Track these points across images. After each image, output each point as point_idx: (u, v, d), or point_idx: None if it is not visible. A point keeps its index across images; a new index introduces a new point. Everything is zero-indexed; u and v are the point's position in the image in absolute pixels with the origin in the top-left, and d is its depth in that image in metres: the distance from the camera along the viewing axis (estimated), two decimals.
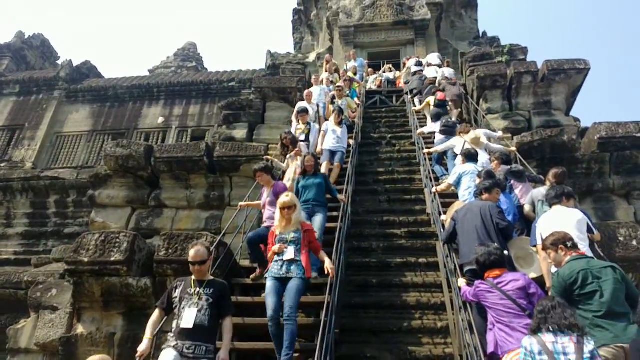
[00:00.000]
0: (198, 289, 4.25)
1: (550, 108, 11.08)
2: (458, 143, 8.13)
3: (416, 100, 12.33)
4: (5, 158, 17.53)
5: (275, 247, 4.99)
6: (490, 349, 3.98)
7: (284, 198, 5.19)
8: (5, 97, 19.02)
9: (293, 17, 21.44)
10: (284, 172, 7.99)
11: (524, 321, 3.81)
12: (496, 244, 4.52)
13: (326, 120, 10.08)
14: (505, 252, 4.62)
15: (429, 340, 5.71)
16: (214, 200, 9.21)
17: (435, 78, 12.37)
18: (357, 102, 12.18)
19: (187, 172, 9.34)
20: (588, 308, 3.64)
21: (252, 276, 6.04)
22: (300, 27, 20.92)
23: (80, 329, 6.34)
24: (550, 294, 4.11)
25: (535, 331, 3.29)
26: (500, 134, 9.31)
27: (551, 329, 3.20)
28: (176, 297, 4.28)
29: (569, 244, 4.02)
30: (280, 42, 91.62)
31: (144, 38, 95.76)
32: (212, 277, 4.49)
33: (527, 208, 5.88)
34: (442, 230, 6.27)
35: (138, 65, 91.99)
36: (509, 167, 6.78)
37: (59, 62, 21.81)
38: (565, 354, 3.08)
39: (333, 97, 10.94)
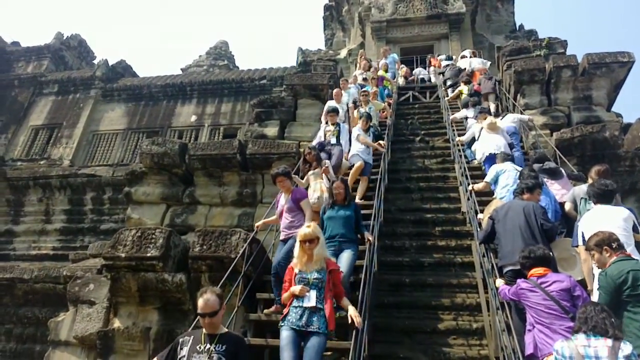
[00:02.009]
0: (208, 346, 3.57)
1: (591, 103, 10.69)
2: (476, 129, 8.82)
3: (449, 91, 12.64)
4: (45, 156, 18.11)
5: (296, 289, 4.28)
6: (529, 350, 3.87)
7: (305, 229, 4.48)
8: (44, 97, 19.64)
9: (324, 13, 21.37)
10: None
11: (565, 323, 3.69)
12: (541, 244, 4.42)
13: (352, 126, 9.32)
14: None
15: (463, 342, 5.61)
16: (247, 197, 9.25)
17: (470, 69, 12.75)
18: (389, 100, 12.05)
19: (220, 170, 9.40)
20: (639, 310, 3.48)
21: (266, 311, 5.41)
22: (331, 23, 20.84)
23: (117, 323, 6.44)
24: (594, 295, 3.99)
25: (574, 333, 3.22)
26: (529, 117, 9.84)
27: (586, 331, 3.11)
28: (183, 357, 3.58)
29: (614, 245, 3.82)
30: (311, 39, 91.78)
31: (176, 37, 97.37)
32: (226, 330, 3.78)
33: (568, 206, 5.66)
34: (478, 229, 6.13)
35: (171, 64, 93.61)
36: (540, 164, 6.59)
37: (95, 61, 22.39)
38: (597, 357, 2.99)
39: (355, 102, 10.25)
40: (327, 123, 8.87)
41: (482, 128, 8.43)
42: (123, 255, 6.19)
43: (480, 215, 6.25)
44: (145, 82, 19.22)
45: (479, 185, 7.07)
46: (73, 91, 19.47)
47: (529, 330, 3.94)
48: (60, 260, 12.97)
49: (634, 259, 3.82)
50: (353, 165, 8.10)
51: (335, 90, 10.31)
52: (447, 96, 12.37)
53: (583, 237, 4.43)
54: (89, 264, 10.33)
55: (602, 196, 4.77)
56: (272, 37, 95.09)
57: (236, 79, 18.41)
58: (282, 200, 5.98)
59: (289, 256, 5.28)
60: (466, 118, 10.15)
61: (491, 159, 7.69)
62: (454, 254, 6.88)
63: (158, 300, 6.36)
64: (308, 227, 4.49)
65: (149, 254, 6.12)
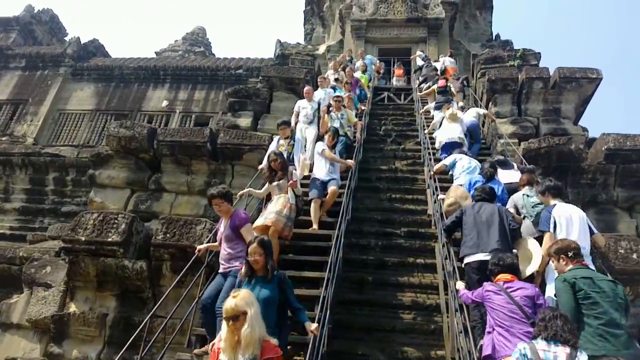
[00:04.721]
0: None
1: (559, 116, 10.99)
2: (439, 117, 9.77)
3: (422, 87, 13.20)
4: (7, 132, 17.44)
5: None
6: (487, 351, 3.96)
7: (229, 302, 3.28)
8: (10, 71, 18.91)
9: (305, 7, 21.23)
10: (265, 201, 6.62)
11: (525, 328, 3.80)
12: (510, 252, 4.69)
13: (321, 136, 8.67)
14: (514, 250, 4.99)
15: (421, 342, 5.68)
16: (215, 187, 9.13)
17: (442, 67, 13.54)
18: (362, 107, 11.55)
19: (189, 157, 9.28)
20: (592, 314, 3.66)
21: (196, 351, 4.70)
22: (311, 17, 20.74)
23: (72, 308, 6.31)
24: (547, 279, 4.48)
25: (534, 338, 3.33)
26: (485, 111, 10.85)
27: (547, 338, 3.23)
28: None
29: (570, 254, 4.02)
30: (290, 33, 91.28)
31: (152, 20, 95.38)
32: None
33: (511, 210, 5.78)
34: (442, 232, 6.23)
35: (145, 47, 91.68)
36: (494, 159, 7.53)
37: (67, 38, 21.68)
38: None
39: (329, 106, 9.43)
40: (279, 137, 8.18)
41: (443, 117, 9.31)
42: (83, 238, 6.08)
43: (442, 195, 6.64)
44: (118, 63, 18.74)
45: (437, 165, 7.85)
46: (41, 67, 18.79)
47: (489, 332, 4.04)
48: (17, 241, 12.54)
49: (589, 268, 4.02)
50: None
51: (306, 89, 9.88)
52: (420, 92, 12.83)
53: (555, 223, 4.72)
54: (47, 245, 10.04)
55: (560, 191, 5.16)
56: (251, 28, 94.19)
57: (211, 67, 18.13)
58: (222, 226, 5.17)
59: (218, 292, 4.63)
60: (433, 109, 10.85)
61: (447, 147, 8.75)
62: (417, 255, 6.96)
63: (117, 286, 6.27)
64: (233, 297, 3.30)
65: (109, 239, 6.02)
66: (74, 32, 71.61)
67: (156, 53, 25.76)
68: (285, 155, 7.50)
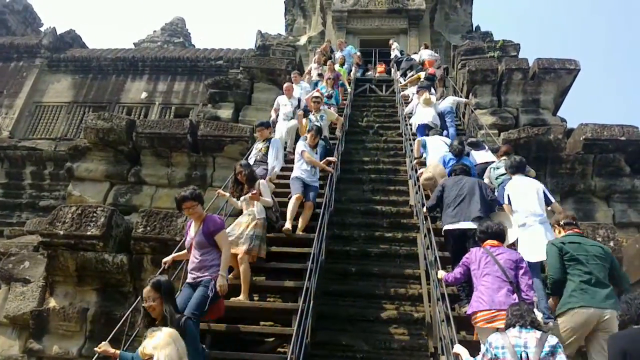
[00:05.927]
0: None
1: (538, 106, 11.16)
2: (414, 104, 9.97)
3: (402, 79, 13.18)
4: None
5: None
6: (469, 310, 4.27)
7: (142, 344, 3.06)
8: None
9: None
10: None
11: (505, 287, 4.06)
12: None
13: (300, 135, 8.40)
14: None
15: (404, 331, 5.74)
16: (196, 179, 9.07)
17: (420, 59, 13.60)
18: (344, 101, 11.47)
19: (169, 150, 9.19)
20: (577, 273, 4.13)
21: None
22: (292, 8, 20.56)
23: (52, 303, 6.23)
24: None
25: (507, 327, 3.48)
26: (465, 100, 11.09)
27: (522, 325, 3.40)
28: None
29: (562, 222, 4.60)
30: (271, 23, 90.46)
31: (131, 10, 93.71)
32: None
33: (486, 181, 6.47)
34: (424, 222, 6.30)
35: (123, 38, 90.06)
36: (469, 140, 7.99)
37: (42, 29, 21.20)
38: (526, 347, 3.28)
39: (306, 110, 8.95)
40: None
41: (418, 103, 9.59)
42: (61, 232, 5.98)
43: (421, 170, 7.18)
44: (95, 54, 18.39)
45: (414, 148, 8.32)
46: (16, 58, 18.33)
47: (474, 292, 4.32)
48: None
49: (580, 235, 4.49)
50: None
51: (286, 85, 9.75)
52: (401, 83, 12.81)
53: (509, 198, 5.43)
54: (25, 240, 9.85)
55: (517, 168, 5.74)
56: (231, 18, 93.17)
57: (191, 58, 17.90)
58: (192, 231, 4.67)
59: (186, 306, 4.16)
60: (413, 94, 10.82)
61: (422, 128, 9.10)
62: (399, 246, 7.01)
63: (97, 280, 6.19)
64: (149, 338, 3.02)
65: (89, 233, 5.94)
66: (50, 22, 70.01)
67: (134, 44, 25.27)
68: (260, 158, 7.30)
